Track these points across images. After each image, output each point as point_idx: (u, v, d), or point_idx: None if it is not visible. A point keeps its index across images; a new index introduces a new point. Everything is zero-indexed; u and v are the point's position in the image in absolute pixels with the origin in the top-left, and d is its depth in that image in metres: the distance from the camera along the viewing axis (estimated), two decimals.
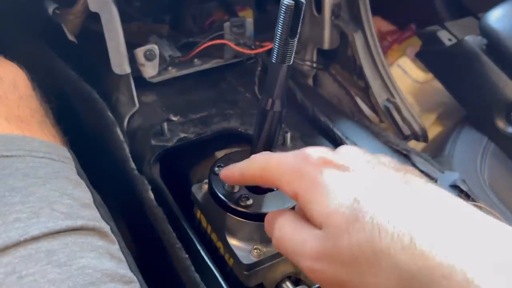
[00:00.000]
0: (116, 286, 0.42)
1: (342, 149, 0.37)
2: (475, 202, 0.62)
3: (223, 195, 0.55)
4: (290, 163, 0.36)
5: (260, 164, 0.40)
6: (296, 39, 0.44)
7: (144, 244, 0.63)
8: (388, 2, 1.66)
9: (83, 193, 0.48)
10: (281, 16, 0.43)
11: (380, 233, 0.28)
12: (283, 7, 0.42)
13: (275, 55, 0.46)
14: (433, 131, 1.06)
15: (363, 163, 0.34)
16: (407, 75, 1.39)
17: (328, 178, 0.33)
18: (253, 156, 0.43)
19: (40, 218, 0.41)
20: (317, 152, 0.36)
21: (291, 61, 0.46)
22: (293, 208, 0.55)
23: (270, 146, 0.53)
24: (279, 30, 0.44)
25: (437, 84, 1.17)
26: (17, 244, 0.38)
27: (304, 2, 0.43)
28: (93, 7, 0.64)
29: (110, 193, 0.62)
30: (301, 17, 0.43)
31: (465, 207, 0.30)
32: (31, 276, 0.37)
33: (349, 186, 0.32)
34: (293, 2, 0.42)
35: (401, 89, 1.30)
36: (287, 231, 0.36)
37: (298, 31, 0.44)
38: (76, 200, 0.46)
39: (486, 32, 0.87)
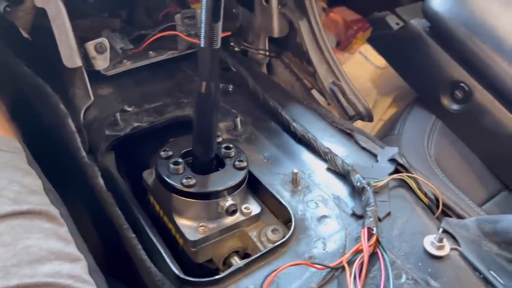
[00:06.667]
0: (62, 263, 0.44)
1: None
2: (411, 173, 0.66)
3: (167, 177, 0.58)
4: None
5: None
6: (219, 23, 0.48)
7: (100, 227, 0.65)
8: None
9: (32, 180, 0.50)
10: (203, 2, 0.46)
11: None
12: None
13: (202, 40, 0.49)
14: (389, 113, 1.11)
15: None
16: (368, 62, 1.43)
17: None
18: None
19: None
20: None
21: (219, 45, 0.49)
22: (235, 187, 0.59)
23: (209, 129, 0.57)
24: (203, 16, 0.47)
25: None
26: None
27: None
28: (39, 3, 0.66)
29: (68, 181, 0.64)
30: (222, 2, 0.46)
31: None
32: None
33: None
34: None
35: (363, 75, 1.34)
36: None
37: (221, 15, 0.47)
38: (24, 187, 0.48)
39: (428, 15, 0.91)
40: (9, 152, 0.52)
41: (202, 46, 0.49)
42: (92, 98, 0.77)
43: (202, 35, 0.48)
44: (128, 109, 0.77)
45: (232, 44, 0.98)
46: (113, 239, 0.63)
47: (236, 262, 0.60)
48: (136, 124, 0.73)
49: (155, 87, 0.84)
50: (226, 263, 0.61)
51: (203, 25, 0.47)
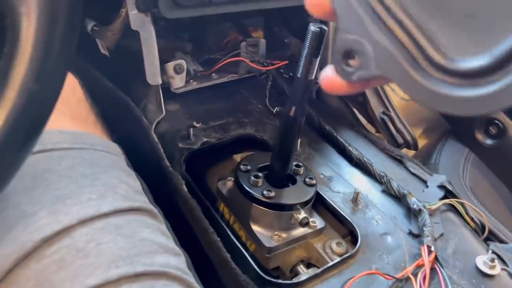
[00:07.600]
0: (169, 256, 0.50)
1: None
2: (459, 199, 0.73)
3: (249, 188, 0.64)
4: None
5: None
6: (318, 59, 0.55)
7: (176, 232, 0.71)
8: None
9: (134, 181, 0.56)
10: (308, 40, 0.53)
11: None
12: (310, 32, 0.53)
13: (300, 70, 0.56)
14: (420, 144, 1.18)
15: None
16: (395, 93, 1.52)
17: None
18: None
19: (106, 199, 0.49)
20: None
21: (313, 76, 0.57)
22: (307, 202, 0.65)
23: (290, 148, 0.63)
24: (305, 51, 0.54)
25: None
26: (93, 218, 0.47)
27: (327, 29, 0.53)
28: (134, 26, 0.74)
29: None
30: (323, 43, 0.53)
31: None
32: (106, 244, 0.46)
33: None
34: (318, 28, 0.52)
35: None
36: None
37: (320, 53, 0.55)
38: (131, 187, 0.54)
39: None
40: (114, 154, 0.58)
41: (298, 76, 0.56)
42: (164, 112, 0.84)
43: (300, 67, 0.56)
44: (196, 125, 0.84)
45: (281, 70, 1.06)
46: (190, 243, 0.69)
47: (303, 270, 0.66)
48: (205, 139, 0.80)
49: (217, 106, 0.92)
50: (293, 271, 0.67)
51: (303, 59, 0.55)
